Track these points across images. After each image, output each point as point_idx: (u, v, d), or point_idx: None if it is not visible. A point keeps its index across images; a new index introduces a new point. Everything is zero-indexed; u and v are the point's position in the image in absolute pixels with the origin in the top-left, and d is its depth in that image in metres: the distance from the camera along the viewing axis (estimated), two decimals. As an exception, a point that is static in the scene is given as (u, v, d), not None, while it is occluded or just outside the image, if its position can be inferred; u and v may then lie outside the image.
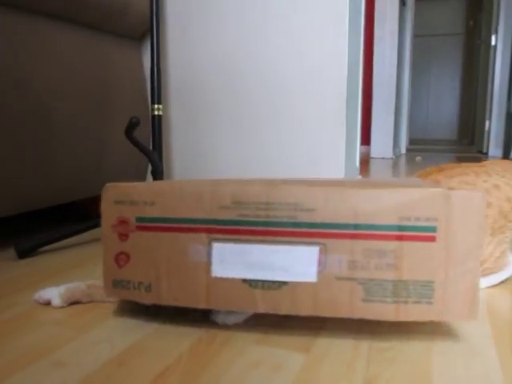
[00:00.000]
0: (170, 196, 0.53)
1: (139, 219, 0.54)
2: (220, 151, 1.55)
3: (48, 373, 0.46)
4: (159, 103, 1.12)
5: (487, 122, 4.04)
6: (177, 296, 0.54)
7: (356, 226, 0.49)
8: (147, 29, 1.38)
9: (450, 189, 0.49)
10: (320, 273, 0.50)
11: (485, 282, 0.68)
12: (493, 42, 3.93)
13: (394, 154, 3.99)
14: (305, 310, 0.51)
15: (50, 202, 1.00)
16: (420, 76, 6.61)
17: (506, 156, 3.76)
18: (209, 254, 0.53)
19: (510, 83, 3.75)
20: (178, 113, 1.56)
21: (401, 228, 0.49)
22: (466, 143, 6.10)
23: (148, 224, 0.54)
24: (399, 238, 0.49)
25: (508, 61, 3.82)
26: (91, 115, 1.13)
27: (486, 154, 4.05)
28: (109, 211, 0.56)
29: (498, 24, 3.86)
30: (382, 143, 3.85)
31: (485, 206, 0.49)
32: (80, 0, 1.05)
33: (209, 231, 0.52)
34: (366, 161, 3.50)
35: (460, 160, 3.55)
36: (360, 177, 1.99)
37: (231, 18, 1.49)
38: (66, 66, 1.04)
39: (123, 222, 0.55)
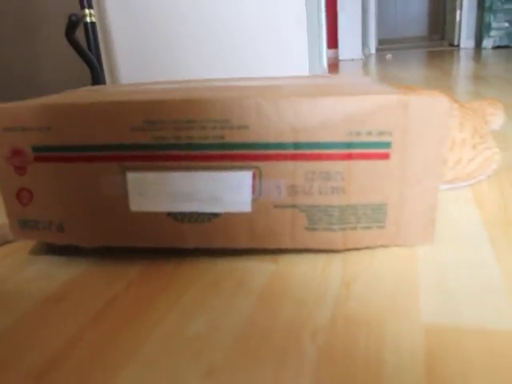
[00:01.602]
0: (69, 118, 0.43)
1: (36, 149, 0.45)
2: (170, 47, 1.40)
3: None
4: (90, 7, 0.97)
5: (458, 12, 3.86)
6: (93, 235, 0.47)
7: (296, 145, 0.41)
8: None
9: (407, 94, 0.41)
10: (255, 201, 0.43)
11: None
12: None
13: (364, 54, 3.82)
14: (241, 243, 0.45)
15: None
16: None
17: (477, 46, 3.65)
18: (124, 186, 0.44)
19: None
20: (118, 15, 1.38)
21: (349, 145, 0.41)
22: (437, 38, 5.90)
23: (47, 154, 0.44)
24: (347, 157, 0.41)
25: None
26: (14, 26, 0.97)
27: (458, 46, 3.92)
28: (-1, 140, 0.45)
29: None
30: (350, 45, 3.67)
31: (450, 113, 0.41)
32: None
33: (121, 159, 0.43)
34: (335, 64, 3.34)
35: (431, 54, 3.42)
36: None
37: None
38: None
39: (18, 152, 0.45)
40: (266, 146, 0.41)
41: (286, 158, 0.41)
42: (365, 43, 4.03)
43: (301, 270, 0.43)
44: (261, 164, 0.42)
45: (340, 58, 3.72)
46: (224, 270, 0.44)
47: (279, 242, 0.44)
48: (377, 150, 0.41)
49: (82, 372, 0.32)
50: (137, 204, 0.44)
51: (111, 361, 0.33)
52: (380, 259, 0.44)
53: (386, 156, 0.41)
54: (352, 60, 3.61)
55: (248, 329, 0.35)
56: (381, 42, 5.92)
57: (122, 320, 0.38)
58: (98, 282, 0.44)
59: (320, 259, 0.44)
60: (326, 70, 1.99)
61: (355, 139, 0.41)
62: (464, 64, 2.47)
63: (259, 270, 0.43)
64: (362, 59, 3.61)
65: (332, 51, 3.99)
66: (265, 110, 0.40)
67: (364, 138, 0.41)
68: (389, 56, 3.48)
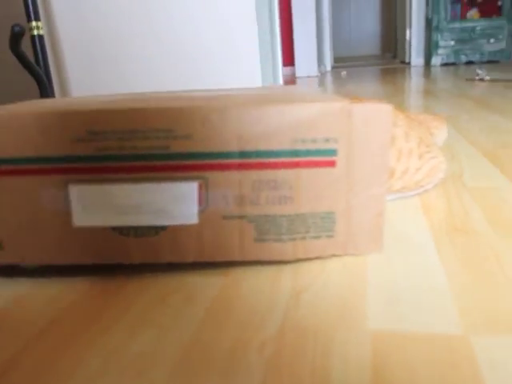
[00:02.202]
0: (6, 129, 0.41)
1: (-31, 162, 0.42)
2: (122, 61, 1.38)
3: None
4: (37, 20, 0.94)
5: (408, 31, 4.02)
6: (35, 253, 0.44)
7: (242, 154, 0.41)
8: None
9: (352, 102, 0.41)
10: (202, 212, 0.42)
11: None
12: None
13: (320, 71, 3.91)
14: (190, 257, 0.44)
15: None
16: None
17: (427, 63, 3.80)
18: (67, 200, 0.42)
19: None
20: (68, 28, 1.35)
21: (296, 153, 0.41)
22: (390, 56, 6.12)
23: (-18, 167, 0.42)
24: (294, 165, 0.41)
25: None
26: None
27: (409, 63, 4.07)
28: None
29: None
30: (306, 62, 3.75)
31: (391, 120, 0.42)
32: None
33: (63, 171, 0.42)
34: (292, 81, 3.40)
35: (384, 71, 3.53)
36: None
37: None
38: None
39: (-51, 166, 0.43)
40: (212, 155, 0.40)
41: (232, 167, 0.41)
42: (320, 61, 4.12)
43: (250, 282, 0.42)
44: (207, 174, 0.41)
45: (297, 75, 3.79)
46: (172, 285, 0.43)
47: (228, 255, 0.43)
48: (323, 157, 0.41)
49: (15, 398, 0.30)
50: (80, 218, 0.43)
51: (49, 383, 0.31)
52: (330, 268, 0.44)
53: (332, 163, 0.42)
54: (308, 77, 3.69)
55: (194, 344, 0.34)
56: (336, 59, 6.09)
57: (62, 340, 0.36)
58: (39, 302, 0.42)
59: (270, 270, 0.44)
60: (282, 86, 2.02)
61: (301, 147, 0.41)
62: (415, 80, 2.56)
63: (208, 283, 0.42)
64: (318, 76, 3.69)
65: (289, 68, 4.06)
66: (210, 120, 0.40)
67: (310, 146, 0.41)
68: (344, 73, 3.57)
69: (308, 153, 0.41)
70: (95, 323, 0.37)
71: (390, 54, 6.25)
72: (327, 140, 0.41)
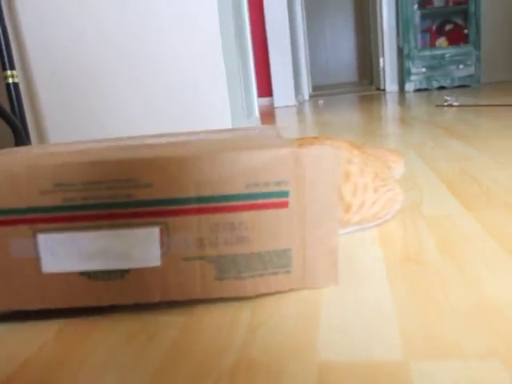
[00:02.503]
0: (-24, 184, 0.44)
1: None
2: (98, 108, 1.42)
3: None
4: (12, 68, 0.97)
5: (381, 59, 4.15)
6: (6, 299, 0.46)
7: (199, 200, 0.44)
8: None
9: (300, 146, 0.45)
10: (164, 255, 0.44)
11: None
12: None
13: (298, 101, 4.00)
14: (154, 297, 0.46)
15: None
16: (315, 24, 6.68)
17: (401, 90, 3.92)
18: (35, 248, 0.45)
19: (397, 19, 3.86)
20: (43, 76, 1.38)
21: (250, 196, 0.44)
22: (367, 83, 6.29)
23: (-47, 221, 0.45)
24: (249, 208, 0.44)
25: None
26: None
27: (384, 90, 4.20)
28: None
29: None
30: (283, 92, 3.84)
31: (338, 163, 0.45)
32: None
33: (31, 222, 0.44)
34: (270, 111, 3.48)
35: (361, 98, 3.63)
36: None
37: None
38: None
39: None
40: (172, 201, 0.43)
41: (191, 212, 0.44)
42: (298, 90, 4.23)
43: (212, 319, 0.45)
44: (168, 219, 0.44)
45: (275, 105, 3.88)
46: (138, 325, 0.45)
47: (191, 294, 0.46)
48: (276, 199, 0.44)
49: None
50: (49, 265, 0.45)
51: (15, 428, 0.33)
52: (287, 302, 0.46)
53: (285, 204, 0.45)
54: (287, 107, 3.77)
55: (154, 382, 0.36)
56: (314, 88, 6.24)
57: (30, 385, 0.37)
58: (7, 349, 0.44)
59: (231, 307, 0.46)
60: (258, 119, 2.07)
61: (255, 190, 0.44)
62: (388, 107, 2.64)
63: (172, 322, 0.45)
64: (295, 105, 3.77)
65: (267, 99, 4.15)
66: (168, 169, 0.43)
67: (263, 189, 0.44)
68: (321, 102, 3.66)
69: (262, 195, 0.44)
70: (61, 368, 0.39)
71: (366, 81, 6.43)
72: (279, 183, 0.44)
